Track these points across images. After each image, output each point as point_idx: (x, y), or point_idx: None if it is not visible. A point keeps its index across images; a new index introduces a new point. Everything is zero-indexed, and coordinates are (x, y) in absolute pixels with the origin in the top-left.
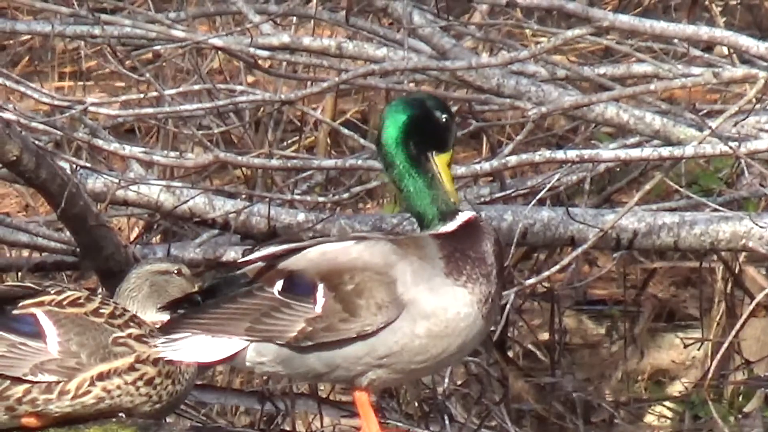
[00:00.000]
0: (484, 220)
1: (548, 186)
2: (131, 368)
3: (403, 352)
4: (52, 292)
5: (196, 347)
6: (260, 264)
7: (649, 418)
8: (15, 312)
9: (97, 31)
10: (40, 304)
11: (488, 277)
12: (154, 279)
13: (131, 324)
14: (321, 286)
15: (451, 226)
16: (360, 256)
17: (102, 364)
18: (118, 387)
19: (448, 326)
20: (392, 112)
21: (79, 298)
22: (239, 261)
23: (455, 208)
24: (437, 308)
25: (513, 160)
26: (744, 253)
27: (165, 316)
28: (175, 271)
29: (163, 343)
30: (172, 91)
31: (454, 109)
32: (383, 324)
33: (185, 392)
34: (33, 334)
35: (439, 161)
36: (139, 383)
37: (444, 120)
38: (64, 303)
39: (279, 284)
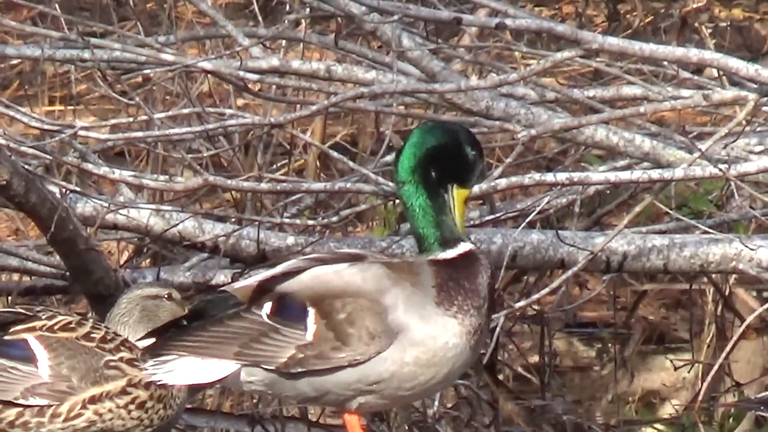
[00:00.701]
0: (480, 252)
1: (538, 209)
2: (123, 392)
3: (393, 378)
4: (44, 317)
5: (186, 370)
6: (249, 285)
7: None
8: (7, 337)
9: (86, 55)
10: (32, 329)
11: (479, 309)
12: (145, 304)
13: (122, 348)
14: (312, 312)
15: (450, 254)
16: (352, 281)
17: (94, 388)
18: (110, 410)
19: (435, 355)
20: (423, 132)
21: (70, 322)
22: (234, 287)
23: (458, 237)
24: (426, 337)
25: (502, 182)
26: (734, 276)
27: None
28: (166, 296)
29: (152, 365)
30: (162, 115)
31: None
32: (375, 354)
33: (176, 416)
34: (24, 358)
35: (457, 195)
36: (131, 407)
37: (471, 156)
38: (56, 328)
39: (267, 307)
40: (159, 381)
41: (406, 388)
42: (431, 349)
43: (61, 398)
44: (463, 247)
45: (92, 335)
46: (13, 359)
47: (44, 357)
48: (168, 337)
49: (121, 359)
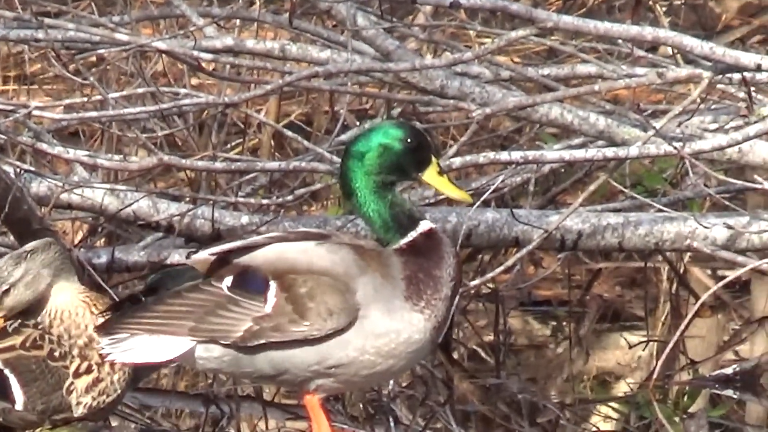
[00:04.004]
0: (442, 231)
1: (493, 187)
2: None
3: (351, 365)
4: (10, 328)
5: (140, 348)
6: (210, 257)
7: (595, 419)
8: None
9: (40, 35)
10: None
11: (446, 300)
12: None
13: (74, 357)
14: (274, 285)
15: (412, 236)
16: (320, 260)
17: (57, 414)
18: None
19: (397, 348)
20: (357, 149)
21: (36, 338)
22: (193, 259)
23: (417, 218)
24: (391, 330)
25: (457, 161)
26: (689, 253)
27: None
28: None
29: (107, 344)
30: (116, 95)
31: (398, 110)
32: (331, 330)
33: (119, 398)
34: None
35: (426, 177)
36: (80, 408)
37: (409, 143)
38: (27, 345)
39: (229, 279)
40: (116, 360)
41: (363, 375)
42: (394, 342)
43: (32, 426)
44: (423, 226)
45: (54, 353)
46: None
47: (20, 394)
48: (122, 313)
49: (75, 373)
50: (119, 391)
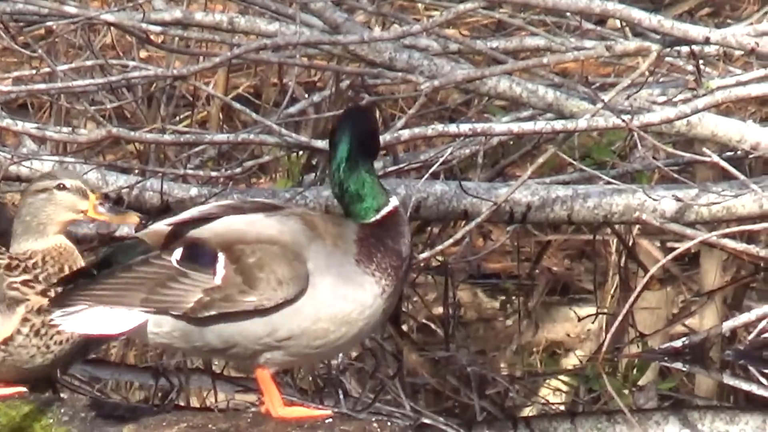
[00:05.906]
0: (403, 210)
1: (441, 160)
2: (25, 320)
3: (303, 335)
4: None
5: (93, 320)
6: (159, 230)
7: (544, 392)
8: None
9: None
10: None
11: (397, 270)
12: (32, 200)
13: (25, 273)
14: (222, 257)
15: (381, 214)
16: (268, 230)
17: (3, 328)
18: (19, 345)
19: (350, 314)
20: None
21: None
22: (144, 233)
23: (387, 198)
24: (342, 295)
25: (406, 134)
26: (637, 226)
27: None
28: (56, 187)
29: (59, 316)
30: (65, 67)
31: (347, 83)
32: (282, 300)
33: (74, 348)
34: None
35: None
36: (31, 335)
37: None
38: None
39: (178, 252)
40: (67, 331)
41: (315, 346)
42: (346, 308)
43: None
44: (392, 203)
45: (15, 270)
46: None
47: None
48: (75, 287)
49: (23, 282)
50: (48, 358)
